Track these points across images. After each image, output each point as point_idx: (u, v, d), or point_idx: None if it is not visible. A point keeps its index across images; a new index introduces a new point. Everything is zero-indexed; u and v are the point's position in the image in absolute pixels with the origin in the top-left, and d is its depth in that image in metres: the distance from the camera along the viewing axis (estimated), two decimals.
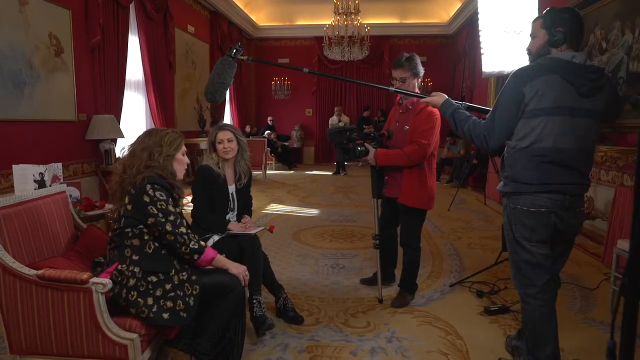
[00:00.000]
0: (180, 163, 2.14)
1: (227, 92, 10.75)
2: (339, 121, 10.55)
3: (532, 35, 2.06)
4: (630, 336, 0.88)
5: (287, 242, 4.68)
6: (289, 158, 11.68)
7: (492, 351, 2.48)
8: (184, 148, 2.17)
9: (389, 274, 3.42)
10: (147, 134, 2.13)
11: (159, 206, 1.96)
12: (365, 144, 2.97)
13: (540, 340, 2.10)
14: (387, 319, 2.87)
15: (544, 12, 2.02)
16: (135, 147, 2.08)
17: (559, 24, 1.92)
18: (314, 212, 6.30)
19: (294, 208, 6.53)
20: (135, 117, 6.79)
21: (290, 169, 11.42)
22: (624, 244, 2.87)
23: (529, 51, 2.08)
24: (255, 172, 9.53)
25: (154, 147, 2.05)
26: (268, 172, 10.14)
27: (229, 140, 2.76)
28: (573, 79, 1.88)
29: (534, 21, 2.05)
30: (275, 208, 6.52)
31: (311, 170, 11.22)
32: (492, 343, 2.57)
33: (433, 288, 3.41)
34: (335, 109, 10.97)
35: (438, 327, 2.76)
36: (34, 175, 2.82)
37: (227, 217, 2.83)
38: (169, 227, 1.96)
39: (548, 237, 2.01)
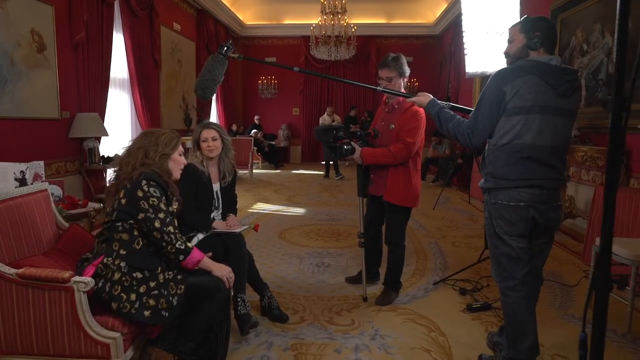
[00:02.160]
0: (177, 163, 2.17)
1: (216, 92, 10.73)
2: (333, 121, 10.22)
3: (510, 40, 2.17)
4: (600, 329, 0.91)
5: (273, 240, 4.68)
6: (275, 157, 11.67)
7: (474, 347, 2.51)
8: (180, 148, 2.20)
9: (373, 272, 3.44)
10: (144, 135, 2.17)
11: (150, 202, 1.97)
12: (352, 142, 2.99)
13: (520, 332, 2.16)
14: (372, 317, 2.89)
15: (522, 19, 2.15)
16: (132, 147, 2.12)
17: (537, 29, 2.05)
18: (300, 211, 6.31)
19: (280, 207, 6.53)
20: (120, 116, 6.71)
21: (277, 168, 11.41)
22: None
23: (507, 54, 2.19)
24: (241, 171, 9.56)
25: (150, 146, 2.08)
26: (255, 171, 10.11)
27: (214, 139, 2.76)
28: (551, 80, 1.99)
29: (512, 27, 2.17)
30: (261, 207, 6.51)
31: (298, 170, 11.22)
32: (474, 339, 2.61)
33: (417, 286, 3.44)
34: (327, 108, 10.73)
35: (421, 324, 2.79)
36: (14, 173, 2.78)
37: (211, 216, 2.83)
38: (157, 224, 1.96)
39: (527, 231, 2.10)
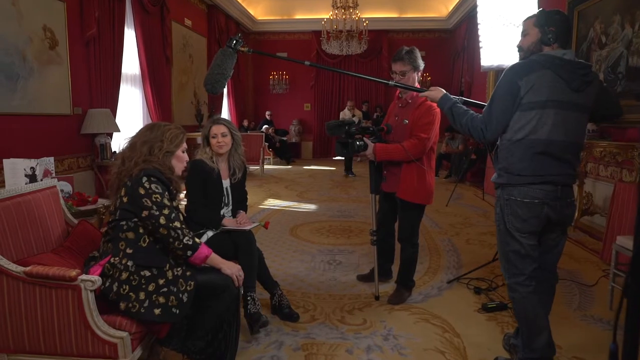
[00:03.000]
0: (180, 160, 2.12)
1: (225, 86, 10.67)
2: (353, 115, 9.63)
3: (524, 33, 2.14)
4: (633, 340, 0.84)
5: (284, 237, 4.64)
6: (287, 153, 11.63)
7: (489, 349, 2.45)
8: (184, 145, 2.15)
9: (386, 270, 3.38)
10: (150, 128, 2.11)
11: (153, 199, 1.92)
12: (364, 138, 2.93)
13: (533, 329, 2.13)
14: (384, 316, 2.84)
15: (537, 12, 2.12)
16: (136, 140, 2.06)
17: (552, 23, 2.02)
18: (311, 207, 6.26)
19: (291, 203, 6.49)
20: (131, 111, 6.73)
21: (288, 164, 11.37)
22: (623, 241, 2.83)
23: (520, 48, 2.15)
24: (253, 167, 9.54)
25: (155, 142, 2.03)
26: (266, 167, 10.08)
27: (223, 135, 2.71)
28: (564, 74, 1.96)
29: (526, 20, 2.14)
30: (272, 203, 6.48)
31: (309, 165, 11.18)
32: (490, 340, 2.54)
33: (430, 285, 3.37)
34: (348, 102, 10.12)
35: (435, 324, 2.73)
36: (25, 170, 2.77)
37: (221, 213, 2.79)
38: (162, 221, 1.92)
39: (539, 228, 2.08)
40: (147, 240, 1.95)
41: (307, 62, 2.88)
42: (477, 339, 2.54)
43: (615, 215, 3.67)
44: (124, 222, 1.93)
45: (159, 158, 2.01)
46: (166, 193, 1.98)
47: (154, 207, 1.91)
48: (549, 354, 2.16)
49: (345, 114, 9.82)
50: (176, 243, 1.94)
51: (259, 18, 12.08)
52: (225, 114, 10.82)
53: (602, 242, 3.91)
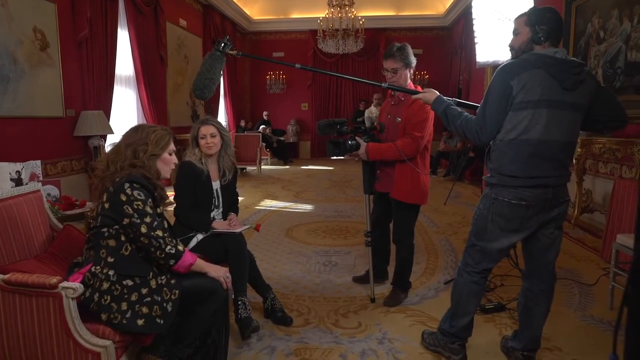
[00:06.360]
0: (166, 163, 2.05)
1: (222, 87, 10.63)
2: None
3: (515, 32, 2.11)
4: (635, 350, 0.78)
5: (279, 239, 4.57)
6: (284, 153, 11.56)
7: (487, 352, 2.39)
8: (172, 147, 2.07)
9: (381, 272, 3.32)
10: (134, 130, 2.04)
11: (135, 206, 1.85)
12: (356, 137, 2.86)
13: (461, 311, 2.27)
14: (379, 319, 2.78)
15: (528, 10, 2.09)
16: (120, 143, 2.00)
17: (543, 22, 1.99)
18: (308, 207, 6.19)
19: (287, 204, 6.43)
20: (126, 113, 6.66)
21: (286, 164, 11.30)
22: (623, 239, 2.77)
23: (512, 47, 2.13)
24: (250, 168, 9.49)
25: (139, 145, 1.96)
26: (263, 167, 10.02)
27: (212, 135, 2.65)
28: (556, 73, 1.93)
29: (517, 18, 2.12)
30: (268, 204, 6.41)
31: (307, 165, 11.11)
32: (488, 343, 2.48)
33: (427, 286, 3.31)
34: (375, 96, 9.13)
35: (432, 326, 2.65)
36: (10, 174, 2.71)
37: (212, 215, 2.73)
38: (143, 229, 1.85)
39: (520, 227, 2.07)
40: (129, 248, 1.88)
41: (297, 65, 2.79)
42: (475, 341, 2.46)
43: (615, 212, 3.62)
44: (105, 229, 1.86)
45: (145, 163, 1.94)
46: (149, 200, 1.91)
47: (135, 215, 1.84)
48: (465, 335, 2.30)
49: (371, 112, 9.18)
50: (158, 252, 1.88)
51: (255, 18, 12.01)
52: (222, 114, 10.76)
53: (602, 240, 3.85)
